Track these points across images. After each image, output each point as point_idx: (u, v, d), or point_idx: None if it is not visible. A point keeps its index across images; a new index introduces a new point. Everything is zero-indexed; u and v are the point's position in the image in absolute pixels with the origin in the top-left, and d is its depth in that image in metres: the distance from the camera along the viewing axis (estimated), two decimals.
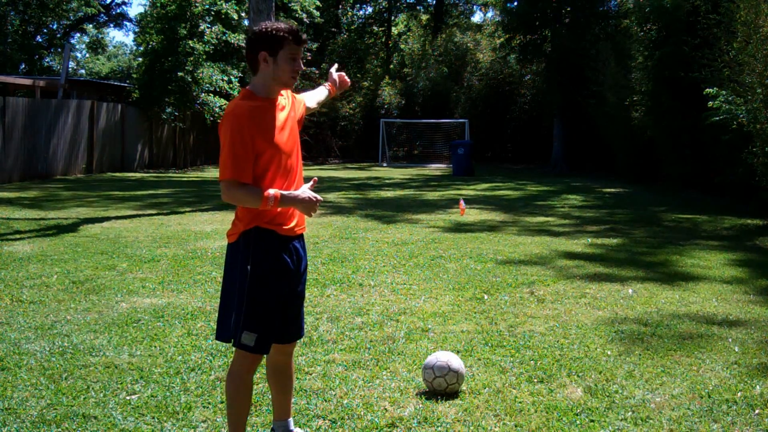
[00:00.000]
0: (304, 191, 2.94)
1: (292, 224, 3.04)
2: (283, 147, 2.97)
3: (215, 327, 5.16)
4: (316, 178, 3.12)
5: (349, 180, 21.12)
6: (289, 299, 3.08)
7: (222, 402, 3.81)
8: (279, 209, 2.97)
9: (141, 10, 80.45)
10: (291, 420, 3.36)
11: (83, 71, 52.00)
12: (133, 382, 4.09)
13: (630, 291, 6.53)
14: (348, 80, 3.65)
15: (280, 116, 3.01)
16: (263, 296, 2.95)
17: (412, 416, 3.68)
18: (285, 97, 3.11)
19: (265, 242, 2.97)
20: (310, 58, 32.96)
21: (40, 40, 39.35)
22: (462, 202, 12.58)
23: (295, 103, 3.19)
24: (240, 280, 2.95)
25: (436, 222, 11.37)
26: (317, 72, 32.97)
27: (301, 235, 3.15)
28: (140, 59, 25.68)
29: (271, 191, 2.86)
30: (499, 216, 12.38)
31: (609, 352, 4.73)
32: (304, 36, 2.95)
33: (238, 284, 2.96)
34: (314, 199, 2.93)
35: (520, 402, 3.88)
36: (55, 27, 40.25)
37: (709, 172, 15.56)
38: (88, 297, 6.05)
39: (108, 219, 11.17)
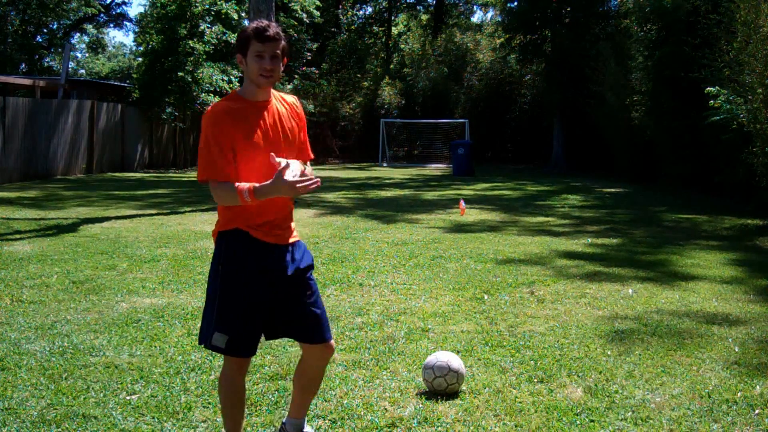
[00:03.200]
0: (279, 178, 2.73)
1: (273, 231, 2.93)
2: (264, 148, 2.86)
3: None
4: (305, 167, 2.92)
5: (349, 180, 21.12)
6: (273, 303, 2.94)
7: None
8: (264, 218, 2.89)
9: (141, 10, 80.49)
10: (305, 420, 3.29)
11: (83, 71, 52.00)
12: (133, 382, 4.09)
13: (630, 291, 6.53)
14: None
15: (267, 119, 2.91)
16: (233, 298, 2.89)
17: (412, 416, 3.68)
18: (285, 106, 3.01)
19: (239, 243, 2.91)
20: (309, 58, 32.98)
21: (40, 40, 39.35)
22: (462, 202, 12.58)
23: (299, 119, 3.06)
24: (212, 280, 2.94)
25: (436, 222, 11.37)
26: (317, 72, 32.97)
27: (290, 244, 3.01)
28: (140, 59, 25.69)
29: (244, 185, 2.78)
30: (499, 216, 12.38)
31: (609, 352, 4.73)
32: (271, 32, 2.82)
33: (211, 284, 2.95)
34: (294, 182, 2.73)
35: (520, 402, 3.88)
36: (55, 27, 40.26)
37: (709, 172, 15.57)
38: (88, 297, 6.05)
39: (108, 219, 11.17)
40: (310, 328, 3.04)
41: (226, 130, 2.82)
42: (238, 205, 2.85)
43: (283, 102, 3.03)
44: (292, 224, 3.06)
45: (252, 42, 2.83)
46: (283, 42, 2.87)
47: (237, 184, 2.80)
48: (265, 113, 2.92)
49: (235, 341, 2.89)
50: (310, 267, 3.08)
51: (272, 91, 2.99)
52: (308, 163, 3.13)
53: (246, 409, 3.73)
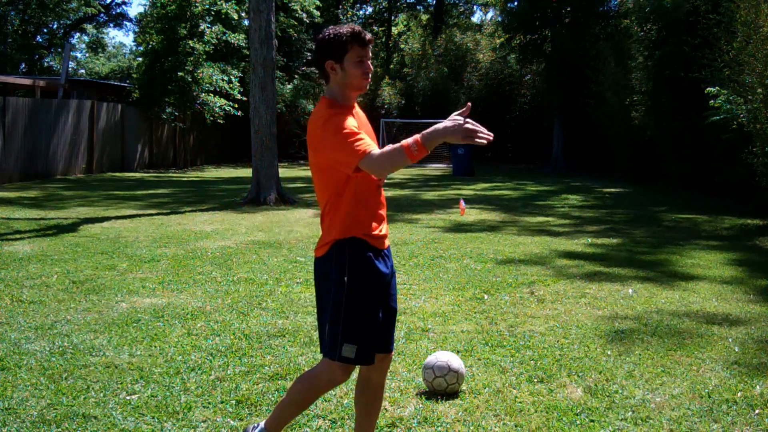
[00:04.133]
0: (449, 120, 2.61)
1: (382, 234, 2.93)
2: None
3: (214, 328, 5.17)
4: (469, 104, 2.78)
5: None
6: (385, 309, 2.96)
7: (222, 401, 3.81)
8: (376, 227, 2.87)
9: (141, 10, 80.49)
10: None
11: (83, 71, 51.98)
12: (133, 382, 4.09)
13: (630, 291, 6.53)
14: None
15: (361, 122, 2.91)
16: (363, 308, 2.85)
17: (412, 416, 3.68)
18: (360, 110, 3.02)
19: (362, 253, 2.86)
20: (309, 58, 32.92)
21: (40, 40, 39.35)
22: (462, 202, 12.58)
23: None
24: (336, 292, 2.85)
25: (436, 222, 11.37)
26: (317, 72, 32.90)
27: (388, 249, 3.03)
28: (140, 59, 25.70)
29: (408, 140, 2.64)
30: (498, 216, 12.38)
31: (609, 352, 4.73)
32: (369, 35, 2.82)
33: (334, 296, 2.86)
34: (463, 123, 2.57)
35: (520, 402, 3.88)
36: (55, 27, 40.26)
37: (709, 172, 15.57)
38: (88, 297, 6.05)
39: (108, 219, 11.17)
40: (383, 335, 3.01)
41: (349, 117, 2.79)
42: (354, 212, 2.83)
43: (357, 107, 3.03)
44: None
45: (353, 47, 2.79)
46: None
47: (350, 196, 2.80)
48: (357, 117, 2.91)
49: (363, 350, 2.86)
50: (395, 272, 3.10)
51: None
52: None
53: (246, 409, 3.74)
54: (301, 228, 10.46)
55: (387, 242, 3.01)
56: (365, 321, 2.86)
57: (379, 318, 2.91)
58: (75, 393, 3.91)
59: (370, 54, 2.87)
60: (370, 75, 2.86)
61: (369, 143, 2.72)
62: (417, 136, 2.61)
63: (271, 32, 14.31)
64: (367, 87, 2.88)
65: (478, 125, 2.58)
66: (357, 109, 2.97)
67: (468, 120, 2.59)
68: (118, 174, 21.88)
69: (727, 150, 13.48)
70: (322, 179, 2.89)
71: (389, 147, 2.67)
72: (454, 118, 2.60)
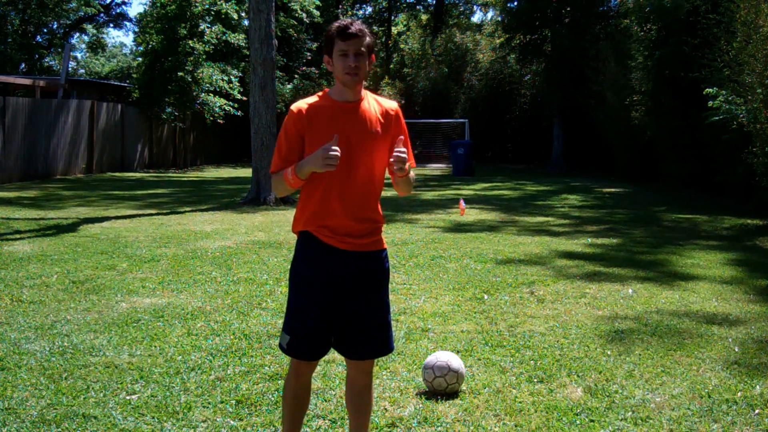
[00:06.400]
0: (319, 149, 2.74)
1: (343, 231, 2.84)
2: (340, 149, 2.75)
3: (214, 328, 5.18)
4: (336, 136, 2.76)
5: None
6: (335, 311, 2.88)
7: (222, 401, 3.81)
8: (335, 220, 2.83)
9: (141, 10, 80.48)
10: None
11: (83, 71, 51.96)
12: (133, 382, 4.09)
13: (630, 291, 6.53)
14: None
15: (349, 120, 2.83)
16: (297, 300, 2.91)
17: (412, 416, 3.68)
18: (377, 109, 2.91)
19: (308, 247, 2.89)
20: (309, 57, 32.97)
21: (40, 40, 39.33)
22: (462, 202, 12.58)
23: (393, 126, 2.93)
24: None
25: (436, 222, 11.37)
26: (317, 72, 32.96)
27: (365, 253, 2.90)
28: (140, 59, 25.71)
29: (290, 167, 2.82)
30: (498, 216, 12.38)
31: (609, 352, 4.73)
32: (353, 29, 2.75)
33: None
34: (324, 151, 2.67)
35: (520, 402, 3.88)
36: (55, 27, 40.24)
37: (709, 172, 15.57)
38: (88, 297, 6.05)
39: (108, 219, 11.17)
40: (359, 344, 2.96)
41: (296, 128, 2.84)
42: (310, 208, 2.87)
43: (377, 105, 2.93)
44: (378, 236, 2.95)
45: (336, 41, 2.79)
46: (367, 39, 2.80)
47: (316, 189, 2.83)
48: (349, 114, 2.84)
49: (295, 343, 2.89)
50: (380, 281, 2.96)
51: (368, 93, 2.93)
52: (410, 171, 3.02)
53: (246, 409, 3.74)
54: None
55: (369, 247, 2.91)
56: (299, 315, 2.91)
57: (316, 316, 2.87)
58: (75, 393, 3.91)
59: (361, 49, 2.77)
60: (356, 69, 2.78)
61: (279, 163, 2.87)
62: (295, 164, 2.82)
63: (271, 32, 14.30)
64: (354, 82, 2.80)
65: (333, 151, 2.69)
66: (364, 105, 2.87)
67: (325, 148, 2.71)
68: (117, 174, 21.88)
69: (727, 150, 13.48)
70: None
71: (279, 174, 2.87)
72: (319, 151, 2.73)
